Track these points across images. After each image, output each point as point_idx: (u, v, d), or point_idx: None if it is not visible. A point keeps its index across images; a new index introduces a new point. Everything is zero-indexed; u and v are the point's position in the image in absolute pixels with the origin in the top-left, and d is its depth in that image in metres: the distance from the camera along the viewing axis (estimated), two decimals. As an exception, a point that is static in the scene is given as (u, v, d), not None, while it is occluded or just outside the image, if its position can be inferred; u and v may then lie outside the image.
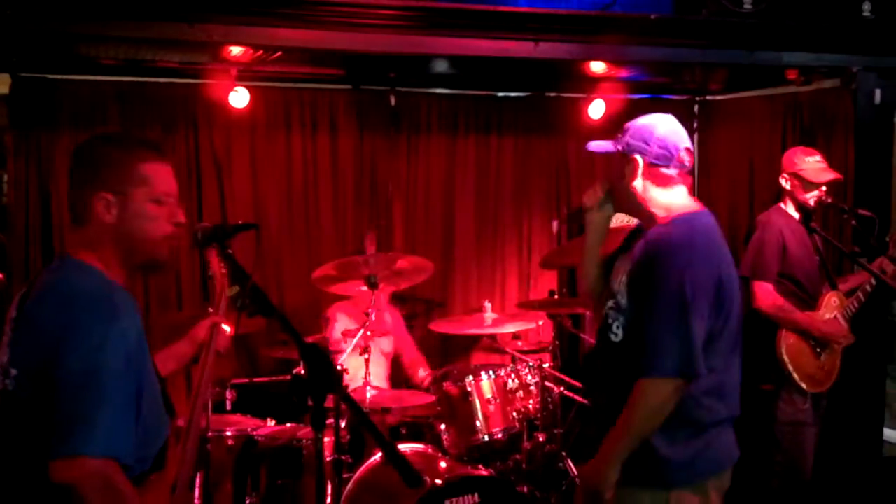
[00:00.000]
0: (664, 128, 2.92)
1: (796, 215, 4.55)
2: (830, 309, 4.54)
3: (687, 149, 2.94)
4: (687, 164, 2.93)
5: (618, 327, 2.85)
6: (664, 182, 2.90)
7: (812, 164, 4.53)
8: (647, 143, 2.89)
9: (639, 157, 2.89)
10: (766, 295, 4.42)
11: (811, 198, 4.52)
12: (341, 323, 5.08)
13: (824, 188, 4.53)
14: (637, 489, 2.76)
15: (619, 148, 2.94)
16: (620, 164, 2.94)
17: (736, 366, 2.87)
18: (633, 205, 2.94)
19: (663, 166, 2.89)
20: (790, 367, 4.39)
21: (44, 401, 2.05)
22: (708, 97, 6.63)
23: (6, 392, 2.14)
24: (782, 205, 4.61)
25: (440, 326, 5.36)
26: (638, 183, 2.90)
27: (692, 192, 3.04)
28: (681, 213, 2.87)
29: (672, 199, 2.91)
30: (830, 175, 4.54)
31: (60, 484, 1.99)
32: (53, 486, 2.00)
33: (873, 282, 4.52)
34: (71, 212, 2.30)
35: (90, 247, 2.25)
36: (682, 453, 2.75)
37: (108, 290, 2.18)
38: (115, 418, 2.04)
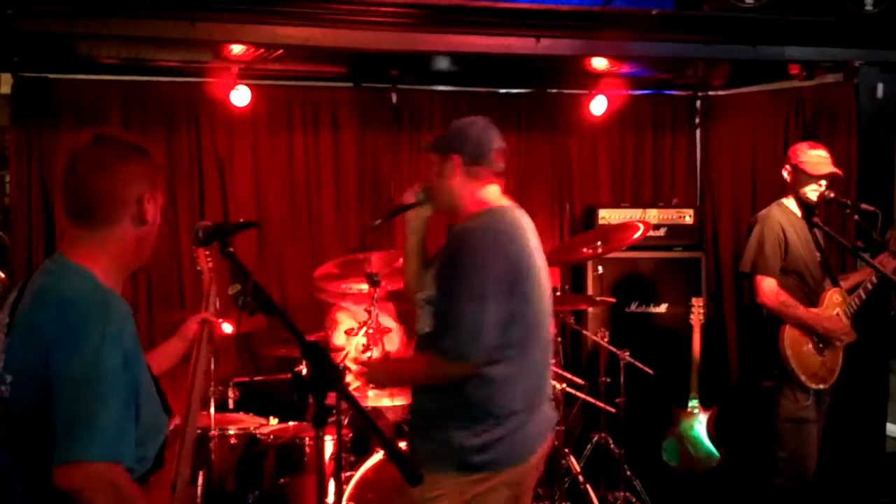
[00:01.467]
0: (478, 128, 3.08)
1: (798, 211, 4.54)
2: (832, 306, 4.53)
3: (500, 149, 3.08)
4: (499, 164, 3.09)
5: (426, 318, 3.01)
6: (478, 180, 3.06)
7: (813, 157, 4.51)
8: (463, 143, 3.04)
9: (456, 156, 3.03)
10: (770, 289, 4.41)
11: (810, 191, 4.50)
12: (345, 324, 5.08)
13: (823, 183, 4.50)
14: (435, 472, 2.86)
15: (438, 147, 3.10)
16: (440, 163, 3.08)
17: (537, 362, 3.00)
18: (452, 203, 3.09)
19: (477, 165, 3.04)
20: (793, 364, 4.38)
21: (41, 406, 2.03)
22: (710, 92, 6.62)
23: (2, 399, 2.11)
24: (784, 200, 4.60)
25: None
26: (455, 181, 3.05)
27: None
28: (486, 208, 3.03)
29: (485, 196, 3.06)
30: (829, 169, 4.51)
31: (66, 490, 1.97)
32: (58, 492, 1.98)
33: (875, 279, 4.51)
34: (83, 207, 2.21)
35: (93, 250, 2.21)
36: (478, 442, 2.89)
37: (102, 293, 2.14)
38: (116, 421, 2.01)
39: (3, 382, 2.11)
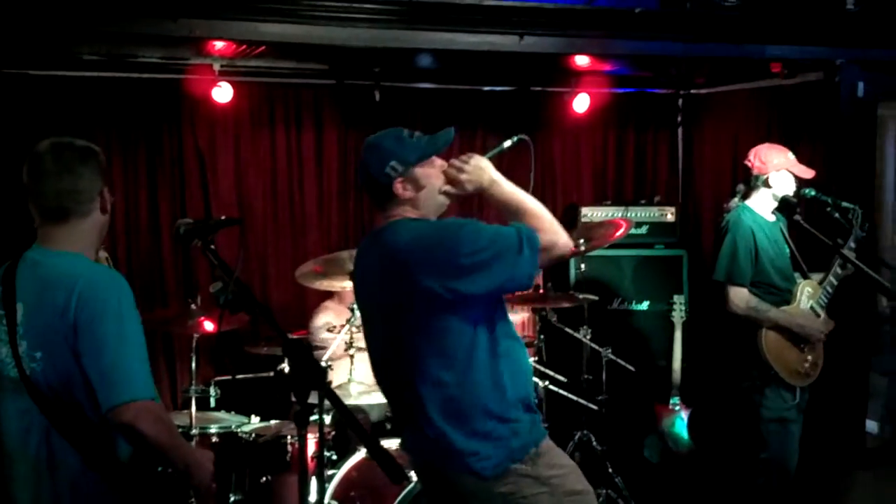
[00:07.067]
0: None
1: (762, 211, 4.53)
2: (805, 298, 4.53)
3: None
4: None
5: None
6: None
7: (777, 155, 4.50)
8: None
9: None
10: (740, 298, 4.39)
11: (784, 188, 4.48)
12: (322, 318, 5.06)
13: (793, 180, 4.50)
14: None
15: None
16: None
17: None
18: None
19: None
20: (776, 366, 4.38)
21: (72, 371, 2.41)
22: (692, 91, 6.64)
23: (35, 373, 2.45)
24: (747, 202, 4.56)
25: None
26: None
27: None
28: None
29: None
30: (795, 165, 4.51)
31: (121, 425, 2.39)
32: (102, 432, 2.44)
33: (840, 268, 4.52)
34: (58, 207, 2.54)
35: (73, 239, 2.55)
36: None
37: (104, 269, 2.51)
38: (145, 367, 2.46)
39: (34, 360, 2.46)
